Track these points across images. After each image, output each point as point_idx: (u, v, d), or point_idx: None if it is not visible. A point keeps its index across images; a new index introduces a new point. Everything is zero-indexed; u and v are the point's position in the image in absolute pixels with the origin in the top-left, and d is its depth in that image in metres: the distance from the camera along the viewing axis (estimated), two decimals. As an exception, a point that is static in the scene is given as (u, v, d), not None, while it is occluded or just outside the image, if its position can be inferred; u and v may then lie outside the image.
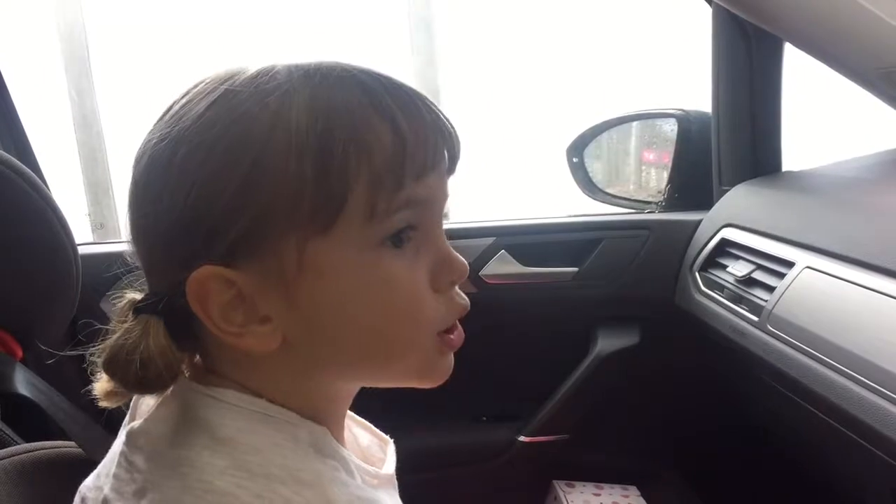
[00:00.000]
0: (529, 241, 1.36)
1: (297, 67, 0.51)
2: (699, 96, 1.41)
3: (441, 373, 0.57)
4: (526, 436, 1.36)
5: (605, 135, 1.54)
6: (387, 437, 0.70)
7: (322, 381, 0.55)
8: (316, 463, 0.52)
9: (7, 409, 0.79)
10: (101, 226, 3.78)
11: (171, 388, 0.53)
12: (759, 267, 1.07)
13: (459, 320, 0.56)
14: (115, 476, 0.52)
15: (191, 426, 0.51)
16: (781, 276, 1.00)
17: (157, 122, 0.52)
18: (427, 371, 0.56)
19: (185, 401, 0.53)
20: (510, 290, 1.34)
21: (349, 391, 0.60)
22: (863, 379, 0.79)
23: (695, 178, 1.40)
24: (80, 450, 0.72)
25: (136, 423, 0.53)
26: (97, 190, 3.79)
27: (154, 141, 0.51)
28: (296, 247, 0.50)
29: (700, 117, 1.40)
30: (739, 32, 1.28)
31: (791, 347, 0.92)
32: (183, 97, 0.52)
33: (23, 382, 0.78)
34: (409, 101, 0.52)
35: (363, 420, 0.70)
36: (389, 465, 0.65)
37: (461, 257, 0.56)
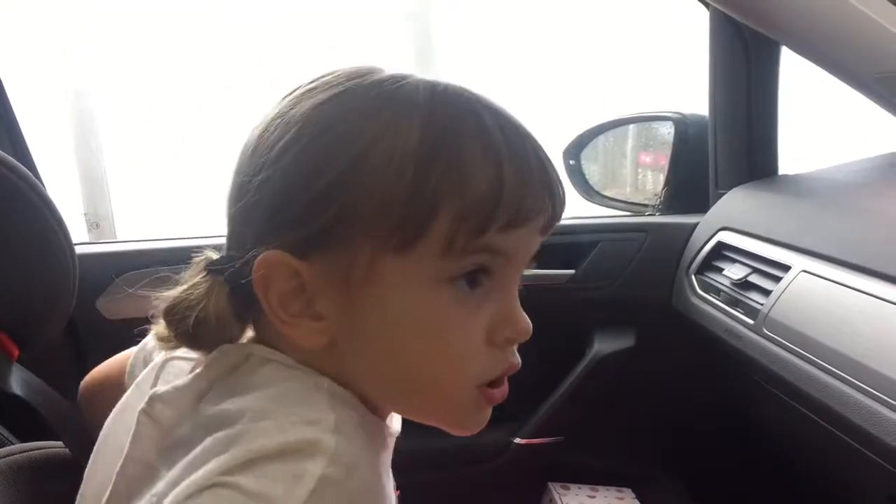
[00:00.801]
0: (526, 244, 1.35)
1: (427, 84, 0.51)
2: (694, 98, 1.42)
3: (475, 425, 0.56)
4: (521, 438, 1.36)
5: (601, 137, 1.54)
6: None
7: (356, 390, 0.54)
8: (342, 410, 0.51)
9: (3, 409, 0.79)
10: (96, 226, 3.78)
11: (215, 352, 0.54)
12: (756, 270, 1.07)
13: None
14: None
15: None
16: (777, 279, 1.00)
17: (282, 99, 0.53)
18: (461, 421, 0.56)
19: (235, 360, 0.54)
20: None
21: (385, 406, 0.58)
22: (858, 383, 0.79)
23: (691, 181, 1.40)
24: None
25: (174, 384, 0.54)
26: (92, 186, 3.79)
27: (272, 116, 0.52)
28: (370, 255, 0.50)
29: (697, 120, 1.40)
30: (736, 36, 1.28)
31: (787, 351, 0.92)
32: (311, 83, 0.53)
33: (18, 382, 0.78)
34: (521, 148, 0.51)
35: None
36: (397, 423, 0.65)
37: (527, 318, 0.55)
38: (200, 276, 0.53)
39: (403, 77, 0.52)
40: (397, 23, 3.66)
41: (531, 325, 0.55)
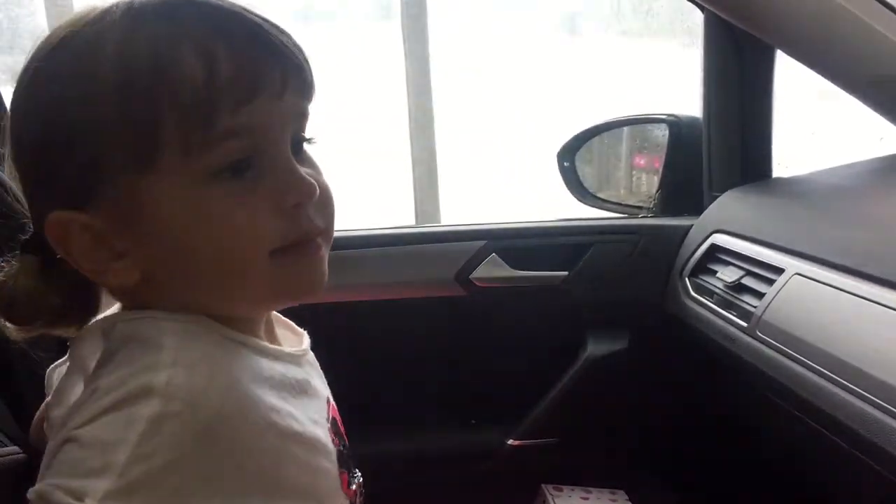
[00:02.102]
0: (520, 245, 1.35)
1: (123, 4, 0.53)
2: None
3: (300, 285, 0.59)
4: (515, 439, 1.36)
5: (595, 139, 1.54)
6: (301, 331, 0.73)
7: (199, 307, 0.57)
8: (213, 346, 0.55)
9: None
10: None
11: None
12: (749, 273, 1.07)
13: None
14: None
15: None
16: (771, 282, 1.00)
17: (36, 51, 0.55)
18: (280, 288, 0.58)
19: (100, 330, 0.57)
20: (500, 294, 1.34)
21: (242, 313, 0.61)
22: (851, 385, 0.79)
23: (685, 184, 1.40)
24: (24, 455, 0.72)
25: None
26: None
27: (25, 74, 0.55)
28: (129, 182, 0.53)
29: (691, 122, 1.40)
30: (731, 39, 1.28)
31: (780, 353, 0.92)
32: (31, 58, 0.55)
33: None
34: (225, 26, 0.53)
35: (284, 319, 0.72)
36: (305, 343, 0.70)
37: (309, 179, 0.57)
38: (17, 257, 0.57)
39: (94, 8, 0.54)
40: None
41: (314, 183, 0.57)
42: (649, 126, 1.53)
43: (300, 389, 0.62)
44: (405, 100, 2.74)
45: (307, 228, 0.58)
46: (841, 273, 0.89)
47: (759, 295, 1.01)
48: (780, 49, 1.22)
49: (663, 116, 1.45)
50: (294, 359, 0.64)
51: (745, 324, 1.01)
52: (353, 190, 4.98)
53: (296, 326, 0.72)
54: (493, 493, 1.39)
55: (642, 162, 1.55)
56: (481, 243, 1.33)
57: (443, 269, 1.32)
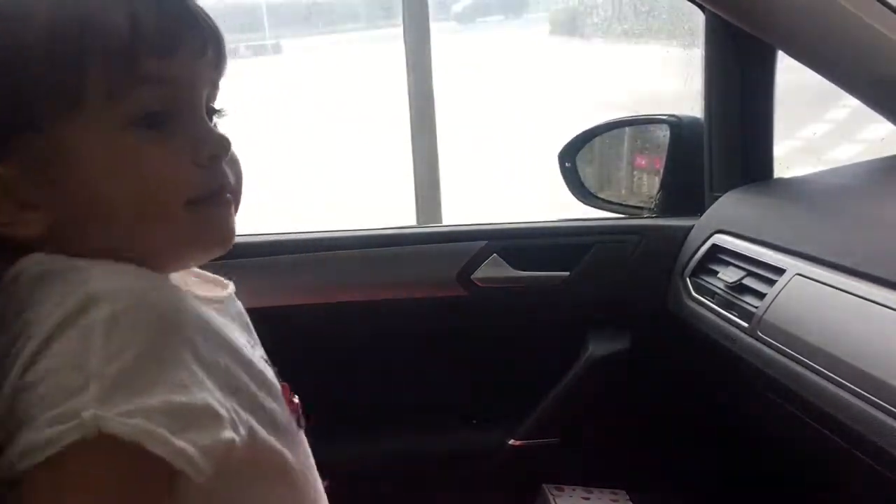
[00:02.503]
0: (521, 245, 1.35)
1: None
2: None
3: (212, 237, 0.62)
4: (516, 439, 1.36)
5: (597, 140, 1.54)
6: (227, 282, 0.74)
7: (115, 256, 0.58)
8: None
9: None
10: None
11: None
12: (750, 273, 1.07)
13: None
14: None
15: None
16: (772, 282, 1.00)
17: None
18: (193, 238, 0.61)
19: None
20: (501, 294, 1.34)
21: (156, 266, 0.62)
22: (852, 386, 0.79)
23: (687, 184, 1.40)
24: None
25: None
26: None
27: None
28: (49, 131, 0.55)
29: (692, 123, 1.40)
30: (732, 39, 1.28)
31: (781, 354, 0.92)
32: None
33: None
34: None
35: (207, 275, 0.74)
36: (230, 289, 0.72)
37: (220, 134, 0.61)
38: None
39: None
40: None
41: (224, 135, 0.61)
42: (650, 126, 1.53)
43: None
44: (406, 98, 2.74)
45: (222, 181, 0.61)
46: (842, 274, 0.89)
47: (760, 295, 1.01)
48: (781, 49, 1.22)
49: (664, 117, 1.45)
50: (218, 304, 0.66)
51: (745, 324, 1.02)
52: (354, 189, 4.99)
53: (222, 279, 0.75)
54: (495, 494, 1.40)
55: (643, 162, 1.55)
56: (482, 243, 1.33)
57: (444, 270, 1.32)
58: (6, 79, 0.55)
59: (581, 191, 1.52)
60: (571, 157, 1.52)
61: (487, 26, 9.59)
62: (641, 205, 1.48)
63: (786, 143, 3.25)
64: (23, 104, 0.55)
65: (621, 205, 1.52)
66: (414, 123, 2.75)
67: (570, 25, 7.28)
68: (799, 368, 0.88)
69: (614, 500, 1.37)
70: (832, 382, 0.82)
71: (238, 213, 0.65)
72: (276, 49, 9.06)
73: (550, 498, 1.36)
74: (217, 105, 0.64)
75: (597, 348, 1.35)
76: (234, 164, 0.64)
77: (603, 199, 1.53)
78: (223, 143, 0.61)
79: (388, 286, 1.35)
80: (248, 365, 0.61)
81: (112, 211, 0.57)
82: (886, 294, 0.80)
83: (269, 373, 0.66)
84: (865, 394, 0.77)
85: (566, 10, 6.95)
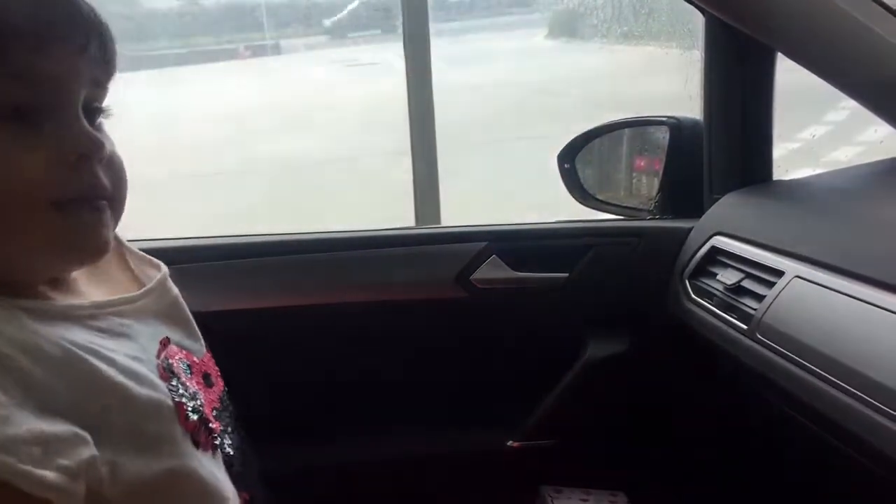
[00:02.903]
0: (521, 246, 1.36)
1: None
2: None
3: (81, 245, 0.60)
4: (514, 441, 1.36)
5: (596, 141, 1.54)
6: (158, 264, 0.75)
7: None
8: None
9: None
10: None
11: None
12: (749, 275, 1.07)
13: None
14: None
15: None
16: (771, 284, 1.00)
17: None
18: (61, 244, 0.59)
19: None
20: (501, 295, 1.34)
21: (23, 275, 0.61)
22: (851, 389, 0.79)
23: (686, 186, 1.40)
24: None
25: None
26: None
27: None
28: None
29: (692, 125, 1.40)
30: (732, 41, 1.28)
31: (779, 356, 0.92)
32: None
33: None
34: None
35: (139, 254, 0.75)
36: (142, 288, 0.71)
37: (93, 134, 0.59)
38: None
39: None
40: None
41: (101, 140, 0.59)
42: (650, 128, 1.52)
43: (108, 333, 0.63)
44: (405, 98, 2.74)
45: (91, 184, 0.59)
46: (841, 276, 0.89)
47: (759, 297, 1.01)
48: (780, 51, 1.22)
49: (664, 119, 1.45)
50: (94, 311, 0.64)
51: (744, 326, 1.02)
52: (354, 191, 4.99)
53: (152, 259, 0.75)
54: (493, 495, 1.40)
55: (642, 164, 1.55)
56: (482, 244, 1.33)
57: (443, 271, 1.32)
58: None
59: (580, 192, 1.52)
60: (570, 159, 1.52)
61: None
62: (641, 206, 1.48)
63: (785, 145, 3.26)
64: None
65: (620, 206, 1.52)
66: (413, 122, 2.75)
67: (568, 27, 7.29)
68: (798, 371, 0.88)
69: (613, 503, 1.37)
70: (831, 385, 0.82)
71: (118, 223, 0.63)
72: (276, 49, 9.06)
73: (549, 499, 1.35)
74: (104, 104, 0.63)
75: (596, 350, 1.35)
76: (115, 169, 0.62)
77: (602, 201, 1.53)
78: (93, 145, 0.59)
79: (387, 287, 1.35)
80: (103, 388, 0.59)
81: None
82: (886, 297, 0.80)
83: (149, 393, 0.62)
84: (864, 396, 0.77)
85: (565, 12, 6.95)
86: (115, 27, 0.62)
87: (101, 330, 0.63)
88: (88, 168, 0.59)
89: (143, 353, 0.66)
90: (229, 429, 0.73)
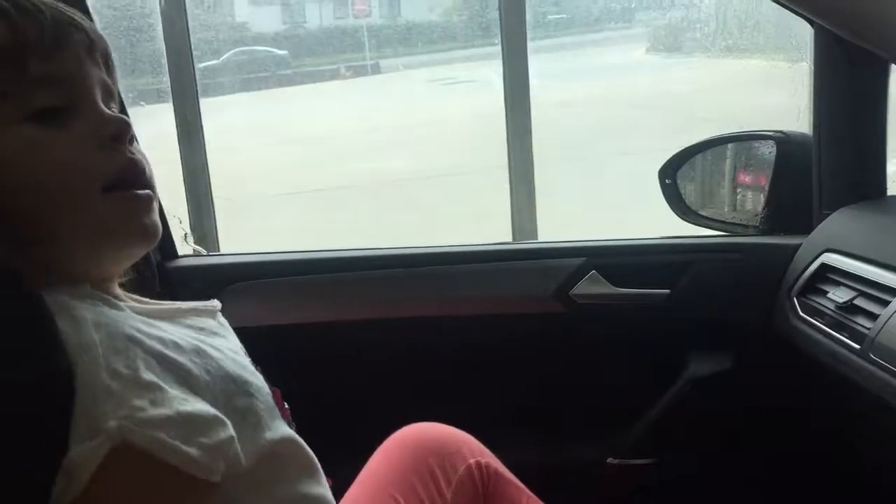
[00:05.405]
0: (620, 262, 1.35)
1: None
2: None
3: (133, 230, 0.65)
4: (613, 458, 1.35)
5: (699, 156, 1.52)
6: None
7: (56, 258, 0.63)
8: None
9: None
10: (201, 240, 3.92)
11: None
12: (862, 294, 1.04)
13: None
14: None
15: None
16: (885, 303, 0.96)
17: None
18: (114, 227, 0.64)
19: None
20: (600, 311, 1.33)
21: (95, 269, 0.66)
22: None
23: (793, 202, 1.36)
24: None
25: None
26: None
27: None
28: None
29: (800, 139, 1.36)
30: (842, 53, 1.24)
31: (895, 377, 0.89)
32: None
33: None
34: (26, 3, 0.61)
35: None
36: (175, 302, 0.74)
37: (119, 116, 0.64)
38: None
39: None
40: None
41: (120, 117, 0.64)
42: (755, 143, 1.49)
43: (207, 332, 0.70)
44: (503, 115, 2.77)
45: (130, 160, 0.64)
46: (963, 295, 0.85)
47: (873, 316, 0.98)
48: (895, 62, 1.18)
49: (770, 133, 1.41)
50: (156, 313, 0.68)
51: (857, 346, 0.98)
52: (451, 206, 5.04)
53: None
54: (591, 512, 1.39)
55: (747, 179, 1.52)
56: (580, 260, 1.33)
57: (541, 286, 1.33)
58: None
59: (681, 207, 1.50)
60: (672, 174, 1.50)
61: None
62: (745, 222, 1.44)
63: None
64: None
65: (724, 222, 1.49)
66: (510, 138, 2.77)
67: (670, 42, 7.17)
68: (915, 393, 0.85)
69: (715, 524, 1.34)
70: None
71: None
72: (375, 69, 9.27)
73: (648, 519, 1.34)
74: (115, 108, 0.67)
75: (698, 367, 1.33)
76: (143, 157, 0.67)
77: (704, 216, 1.50)
78: (122, 122, 0.64)
79: (484, 302, 1.36)
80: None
81: (27, 204, 0.61)
82: None
83: (255, 380, 0.69)
84: None
85: (667, 26, 6.85)
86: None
87: (200, 329, 0.70)
88: (122, 146, 0.65)
89: (240, 349, 0.73)
90: None
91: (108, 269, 0.69)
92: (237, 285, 1.32)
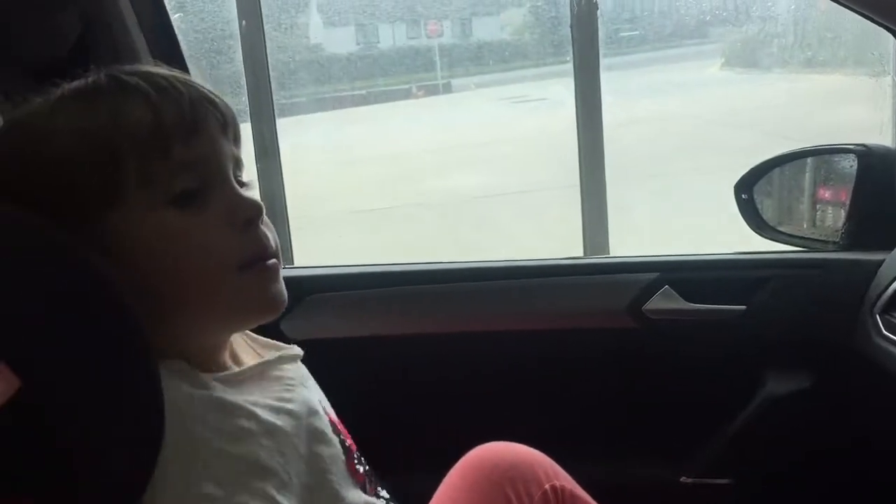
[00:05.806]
0: (694, 277, 1.33)
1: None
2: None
3: (264, 303, 0.68)
4: (688, 476, 1.33)
5: (776, 171, 1.49)
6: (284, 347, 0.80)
7: (177, 332, 0.66)
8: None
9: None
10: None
11: None
12: (950, 311, 1.01)
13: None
14: None
15: None
16: (974, 320, 0.93)
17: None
18: (246, 303, 0.67)
19: None
20: (673, 327, 1.32)
21: (213, 339, 0.70)
22: None
23: (876, 216, 1.33)
24: None
25: None
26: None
27: None
28: (98, 221, 0.62)
29: (883, 153, 1.33)
30: (928, 64, 1.21)
31: (985, 396, 0.86)
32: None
33: None
34: (163, 82, 0.64)
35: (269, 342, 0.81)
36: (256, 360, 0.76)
37: (252, 198, 0.67)
38: None
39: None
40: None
41: (256, 199, 0.67)
42: (835, 157, 1.46)
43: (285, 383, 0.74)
44: (574, 132, 2.77)
45: (263, 243, 0.67)
46: None
47: (961, 334, 0.95)
48: None
49: (851, 147, 1.38)
50: (239, 378, 0.71)
51: (944, 364, 0.95)
52: (522, 224, 5.06)
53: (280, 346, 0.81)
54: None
55: (827, 194, 1.49)
56: (653, 275, 1.32)
57: (614, 301, 1.33)
58: (49, 178, 0.62)
59: (758, 223, 1.48)
60: (748, 189, 1.48)
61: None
62: (825, 238, 1.41)
63: None
64: (74, 204, 0.62)
65: (802, 238, 1.46)
66: (582, 155, 2.77)
67: (745, 57, 7.04)
68: None
69: (793, 547, 1.31)
70: None
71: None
72: (447, 88, 9.35)
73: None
74: (245, 178, 0.70)
75: (775, 386, 1.30)
76: (270, 230, 0.69)
77: (782, 232, 1.47)
78: (256, 207, 0.66)
79: (557, 316, 1.36)
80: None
81: (167, 283, 0.64)
82: None
83: (330, 451, 0.73)
84: None
85: (742, 41, 6.72)
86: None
87: (287, 383, 0.73)
88: (255, 229, 0.67)
89: (319, 402, 0.76)
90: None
91: (227, 339, 0.73)
92: (314, 297, 1.35)
